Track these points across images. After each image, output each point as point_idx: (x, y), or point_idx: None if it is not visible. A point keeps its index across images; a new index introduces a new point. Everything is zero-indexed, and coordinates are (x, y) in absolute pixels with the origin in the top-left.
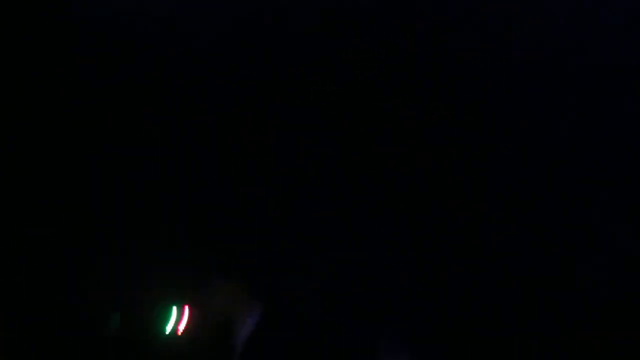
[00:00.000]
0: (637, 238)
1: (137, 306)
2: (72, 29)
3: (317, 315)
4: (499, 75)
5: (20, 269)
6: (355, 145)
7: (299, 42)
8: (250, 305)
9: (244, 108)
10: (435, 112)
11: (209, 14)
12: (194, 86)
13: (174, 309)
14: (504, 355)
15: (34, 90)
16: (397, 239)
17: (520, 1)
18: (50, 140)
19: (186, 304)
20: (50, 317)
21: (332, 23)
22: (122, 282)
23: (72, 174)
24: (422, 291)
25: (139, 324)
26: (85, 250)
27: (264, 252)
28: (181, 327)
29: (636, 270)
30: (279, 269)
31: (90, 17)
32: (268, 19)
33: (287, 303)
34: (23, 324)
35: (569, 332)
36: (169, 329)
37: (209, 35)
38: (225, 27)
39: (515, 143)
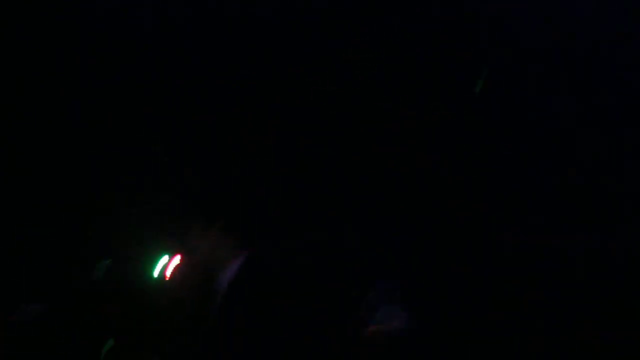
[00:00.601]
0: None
1: (124, 254)
2: (71, 29)
3: (301, 264)
4: (499, 76)
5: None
6: (354, 145)
7: (299, 42)
8: (233, 251)
9: (244, 108)
10: (435, 112)
11: (209, 13)
12: (193, 86)
13: (162, 256)
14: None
15: (33, 90)
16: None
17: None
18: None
19: (174, 252)
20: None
21: (332, 23)
22: (110, 233)
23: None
24: (415, 249)
25: (127, 270)
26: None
27: (249, 202)
28: (169, 272)
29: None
30: (264, 219)
31: (91, 16)
32: (268, 19)
33: (269, 251)
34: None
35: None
36: (156, 273)
37: (209, 34)
38: (225, 26)
39: (515, 143)
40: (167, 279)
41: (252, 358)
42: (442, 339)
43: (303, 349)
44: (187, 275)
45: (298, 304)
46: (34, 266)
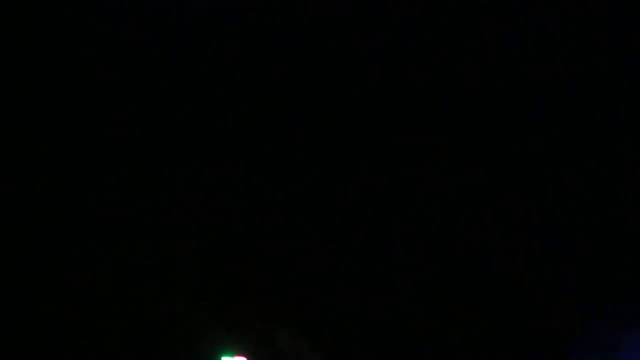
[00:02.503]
0: None
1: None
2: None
3: None
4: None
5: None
6: (356, 145)
7: (300, 42)
8: (312, 354)
9: (244, 108)
10: (436, 115)
11: (210, 13)
12: (194, 85)
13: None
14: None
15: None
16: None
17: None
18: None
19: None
20: None
21: (332, 23)
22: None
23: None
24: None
25: None
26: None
27: (326, 315)
28: None
29: None
30: (336, 327)
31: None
32: (269, 19)
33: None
34: None
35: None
36: None
37: (209, 33)
38: (228, 26)
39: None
40: None
41: None
42: None
43: None
44: None
45: None
46: None
